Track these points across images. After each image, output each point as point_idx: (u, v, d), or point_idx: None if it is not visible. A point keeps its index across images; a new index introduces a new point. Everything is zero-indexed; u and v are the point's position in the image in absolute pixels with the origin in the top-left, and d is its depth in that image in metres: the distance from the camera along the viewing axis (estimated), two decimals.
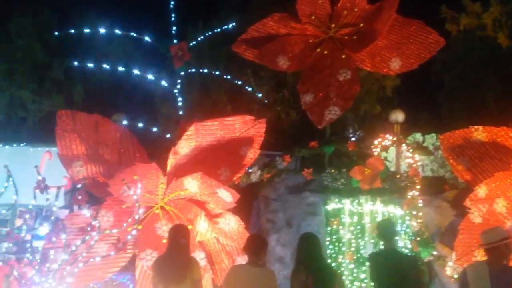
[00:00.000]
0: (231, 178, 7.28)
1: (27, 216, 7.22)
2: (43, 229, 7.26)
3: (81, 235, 6.14)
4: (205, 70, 10.98)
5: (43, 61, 15.81)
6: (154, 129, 8.17)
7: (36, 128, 15.33)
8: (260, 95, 12.19)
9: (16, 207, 8.31)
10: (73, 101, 15.41)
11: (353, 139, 9.03)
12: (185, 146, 7.10)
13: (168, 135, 8.27)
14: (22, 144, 11.52)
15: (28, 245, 6.33)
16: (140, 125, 8.01)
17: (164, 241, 6.36)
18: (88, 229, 6.02)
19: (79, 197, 6.57)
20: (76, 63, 9.92)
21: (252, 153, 7.30)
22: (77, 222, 6.45)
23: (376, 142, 8.18)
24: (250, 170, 7.79)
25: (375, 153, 8.00)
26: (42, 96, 15.63)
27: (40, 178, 6.31)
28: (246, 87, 11.70)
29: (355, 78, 8.21)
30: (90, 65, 9.36)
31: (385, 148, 8.28)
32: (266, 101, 12.85)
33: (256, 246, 4.62)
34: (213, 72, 11.00)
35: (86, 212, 6.23)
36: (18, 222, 9.44)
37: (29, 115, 15.89)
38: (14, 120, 15.73)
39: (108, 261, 6.23)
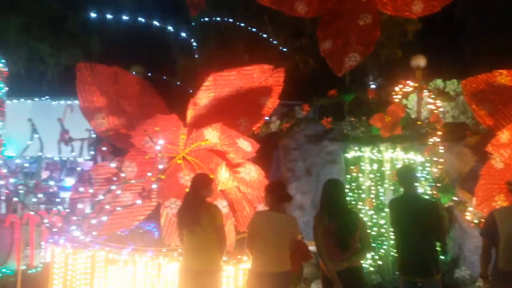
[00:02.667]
0: (250, 128, 7.30)
1: (53, 167, 7.48)
2: (69, 181, 7.53)
3: (107, 185, 6.32)
4: (221, 19, 10.78)
5: (58, 14, 15.69)
6: (175, 81, 8.17)
7: (56, 82, 15.46)
8: (281, 47, 11.94)
9: (42, 159, 8.56)
10: (90, 53, 15.38)
11: (373, 86, 8.88)
12: (204, 97, 7.10)
13: (185, 86, 8.27)
14: (43, 98, 11.73)
15: (55, 195, 6.59)
16: (159, 76, 8.01)
17: (187, 190, 6.54)
18: (114, 179, 6.19)
19: (103, 149, 6.71)
20: (92, 15, 9.78)
21: (271, 103, 7.26)
22: (103, 173, 6.61)
23: (397, 88, 8.05)
24: (269, 120, 7.79)
25: (396, 100, 7.90)
26: (60, 50, 15.63)
27: (63, 130, 6.49)
28: (263, 35, 11.49)
29: (376, 23, 7.96)
30: (109, 16, 9.22)
31: (406, 95, 8.15)
32: (283, 49, 12.60)
33: (276, 192, 4.63)
34: (229, 20, 10.78)
35: (111, 163, 6.38)
36: (45, 174, 9.77)
37: (48, 69, 15.98)
38: (34, 74, 15.85)
39: (134, 210, 6.43)
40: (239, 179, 6.83)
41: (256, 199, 6.86)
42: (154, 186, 6.40)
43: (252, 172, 6.92)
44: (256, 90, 7.17)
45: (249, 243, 4.54)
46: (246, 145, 6.71)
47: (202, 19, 9.04)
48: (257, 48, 12.23)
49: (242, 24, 10.63)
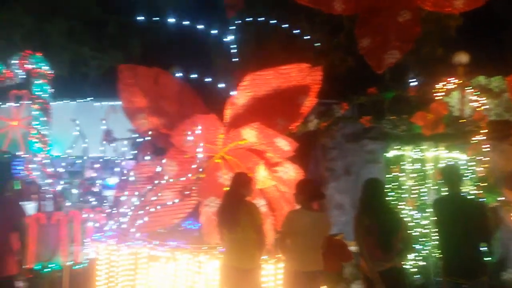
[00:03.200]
0: (288, 127, 7.29)
1: (97, 166, 7.69)
2: (112, 179, 7.75)
3: (148, 184, 6.45)
4: (258, 18, 10.79)
5: (100, 18, 16.17)
6: (211, 80, 8.24)
7: (98, 84, 15.93)
8: (318, 45, 11.86)
9: (86, 159, 8.83)
10: (131, 55, 15.76)
11: (413, 84, 8.69)
12: (241, 97, 7.15)
13: (224, 86, 8.34)
14: (87, 99, 12.10)
15: (99, 194, 6.79)
16: (198, 77, 8.11)
17: (227, 188, 6.60)
18: (156, 178, 6.32)
19: (145, 148, 6.86)
20: (135, 18, 9.99)
21: (309, 102, 7.23)
22: (144, 172, 6.76)
23: (438, 86, 7.85)
24: (307, 119, 7.75)
25: (438, 98, 7.71)
26: (102, 52, 16.11)
27: (107, 130, 6.69)
28: (300, 34, 11.43)
29: (416, 19, 7.78)
30: (148, 19, 9.39)
31: (448, 92, 7.94)
32: (320, 47, 12.50)
33: (306, 190, 4.62)
34: (268, 20, 10.78)
35: (152, 162, 6.52)
36: (89, 173, 10.07)
37: (91, 71, 16.50)
38: (77, 77, 16.39)
39: (175, 208, 6.54)
40: (277, 178, 6.83)
41: (294, 198, 6.84)
42: (194, 185, 6.49)
43: (290, 171, 6.91)
44: (294, 89, 7.15)
45: (282, 242, 4.52)
46: (284, 144, 6.70)
47: (239, 20, 9.07)
48: (294, 47, 12.21)
49: (279, 24, 10.59)
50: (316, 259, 4.41)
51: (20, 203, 4.24)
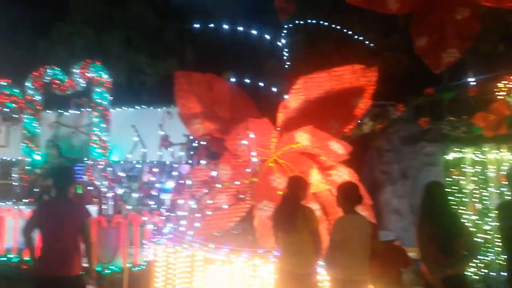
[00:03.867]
0: (342, 130, 7.19)
1: (155, 171, 7.92)
2: (170, 183, 7.95)
3: (204, 187, 6.57)
4: (309, 21, 10.73)
5: (155, 26, 16.69)
6: (263, 85, 8.28)
7: (155, 90, 16.41)
8: (372, 46, 11.61)
9: (144, 163, 9.12)
10: (185, 62, 16.13)
11: (473, 83, 8.30)
12: (294, 100, 7.13)
13: (275, 90, 8.36)
14: (143, 106, 12.49)
15: (157, 197, 6.99)
16: (249, 81, 8.17)
17: (280, 192, 6.60)
18: (211, 181, 6.43)
19: (200, 153, 7.00)
20: (190, 25, 10.23)
21: (363, 104, 7.10)
22: (200, 176, 6.89)
23: (500, 85, 7.47)
24: (362, 121, 7.61)
25: (500, 97, 7.33)
26: (158, 60, 16.60)
27: (164, 135, 6.89)
28: (353, 35, 11.26)
29: (475, 15, 7.44)
30: (201, 26, 9.59)
31: (511, 91, 7.53)
32: (372, 45, 12.22)
33: (349, 193, 4.51)
34: (319, 22, 10.70)
35: (207, 167, 6.63)
36: (146, 178, 10.38)
37: (148, 79, 17.03)
38: (134, 84, 16.97)
39: (229, 211, 6.61)
40: (331, 182, 6.74)
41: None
42: (248, 189, 6.54)
43: (345, 175, 6.80)
44: (348, 91, 7.05)
45: (331, 249, 4.38)
46: (338, 148, 6.62)
47: (291, 23, 9.06)
48: (346, 48, 12.03)
49: (331, 25, 10.48)
50: (362, 268, 4.27)
51: (84, 204, 4.43)
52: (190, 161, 7.71)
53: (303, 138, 6.65)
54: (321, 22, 10.87)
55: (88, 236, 4.21)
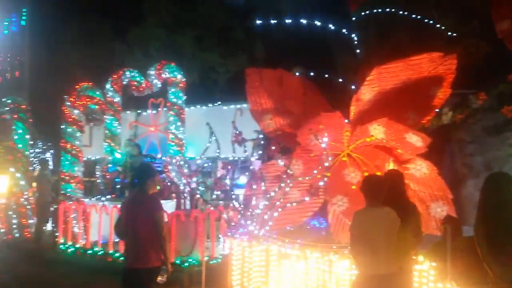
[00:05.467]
0: (419, 121, 6.91)
1: (229, 166, 8.06)
2: (243, 179, 8.05)
3: (277, 182, 6.59)
4: (381, 10, 10.38)
5: (226, 25, 17.00)
6: (334, 78, 8.16)
7: (226, 88, 16.74)
8: (449, 33, 11.02)
9: (218, 159, 9.33)
10: (255, 59, 16.28)
11: None
12: (367, 92, 6.94)
13: (346, 82, 8.19)
14: (216, 104, 12.77)
15: (231, 192, 7.09)
16: (321, 75, 8.08)
17: (353, 187, 6.47)
18: (283, 177, 6.43)
19: (273, 148, 7.02)
20: (257, 22, 10.32)
21: (442, 93, 6.77)
22: (272, 171, 6.92)
23: None
24: (440, 112, 7.25)
25: None
26: (228, 58, 16.90)
27: (237, 132, 6.98)
28: (429, 22, 10.75)
29: None
30: (271, 21, 9.63)
31: None
32: (450, 33, 11.59)
33: (371, 186, 4.13)
34: (392, 10, 10.33)
35: (279, 162, 6.64)
36: (220, 173, 10.61)
37: (219, 77, 17.40)
38: (206, 82, 17.41)
39: (302, 206, 6.58)
40: (409, 175, 6.50)
41: (428, 197, 6.46)
42: (321, 183, 6.47)
43: (423, 169, 6.54)
44: (425, 81, 6.75)
45: (351, 243, 4.12)
46: (416, 140, 6.36)
47: (362, 13, 8.83)
48: (422, 36, 11.52)
49: (405, 13, 10.07)
50: (386, 261, 3.90)
51: (159, 200, 4.56)
52: (262, 157, 7.76)
53: (377, 131, 6.45)
54: (394, 10, 10.49)
55: (160, 230, 4.32)
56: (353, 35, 8.76)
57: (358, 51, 8.66)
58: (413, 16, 10.05)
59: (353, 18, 8.86)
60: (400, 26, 12.51)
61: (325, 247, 5.68)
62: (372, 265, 3.92)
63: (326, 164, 6.42)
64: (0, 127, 13.03)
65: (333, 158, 6.76)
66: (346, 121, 6.91)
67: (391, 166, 6.47)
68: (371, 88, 6.88)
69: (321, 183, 6.45)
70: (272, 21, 9.12)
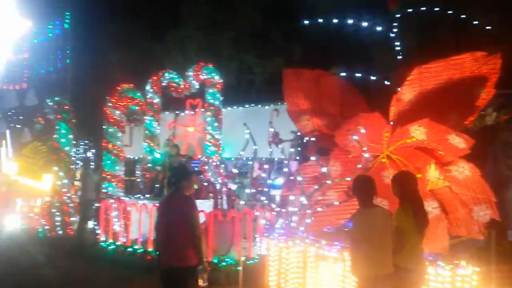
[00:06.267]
0: (462, 122, 6.70)
1: (265, 167, 8.08)
2: (279, 179, 8.08)
3: (314, 183, 6.55)
4: (423, 8, 10.12)
5: (262, 26, 17.06)
6: (373, 78, 8.02)
7: (263, 89, 16.79)
8: (491, 29, 10.67)
9: (254, 160, 9.37)
10: (291, 59, 16.25)
11: None
12: (408, 92, 6.79)
13: (387, 82, 8.04)
14: (253, 105, 12.84)
15: (267, 193, 7.12)
16: (358, 75, 7.96)
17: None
18: (321, 178, 6.39)
19: (309, 149, 6.99)
20: (294, 23, 10.29)
21: (486, 93, 6.54)
22: (310, 172, 6.88)
23: None
24: (484, 113, 7.02)
25: None
26: (265, 59, 16.95)
27: (274, 132, 7.00)
28: (472, 20, 10.42)
29: None
30: (306, 22, 9.56)
31: None
32: (494, 32, 11.20)
33: (363, 187, 4.26)
34: (433, 8, 10.07)
35: (317, 163, 6.60)
36: (256, 174, 10.66)
37: (256, 78, 17.48)
38: (243, 84, 17.52)
39: (340, 208, 6.51)
40: (451, 178, 6.34)
41: (471, 200, 6.27)
42: None
43: (466, 171, 6.35)
44: (468, 81, 6.54)
45: (353, 247, 4.16)
46: (459, 142, 6.18)
47: (401, 11, 8.64)
48: (464, 34, 11.22)
49: (446, 11, 9.79)
50: (387, 261, 4.01)
51: (194, 199, 4.60)
52: (298, 158, 7.74)
53: (418, 132, 6.31)
54: (434, 8, 10.21)
55: (195, 230, 4.35)
56: (392, 34, 8.56)
57: (397, 50, 8.47)
58: (455, 14, 9.75)
59: (393, 17, 8.64)
60: (442, 25, 12.22)
61: None
62: (374, 266, 3.99)
63: (363, 165, 6.33)
64: (44, 127, 13.55)
65: (372, 160, 6.65)
66: (386, 121, 6.79)
67: (432, 168, 6.32)
68: (412, 88, 6.73)
69: None
70: (308, 21, 9.04)
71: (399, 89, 6.82)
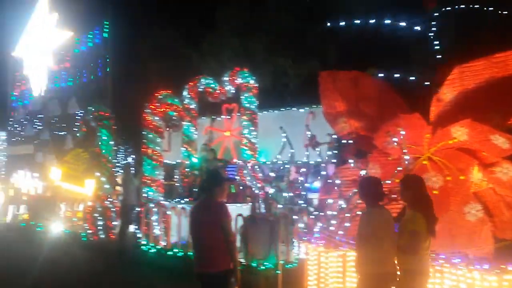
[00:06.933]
0: (505, 122, 6.47)
1: (302, 170, 8.04)
2: (316, 183, 8.02)
3: (352, 187, 6.47)
4: (462, 6, 9.87)
5: (297, 29, 17.04)
6: (412, 78, 7.87)
7: (297, 91, 16.74)
8: None
9: (291, 163, 9.35)
10: (327, 61, 16.15)
11: None
12: (448, 92, 6.63)
13: (427, 83, 7.86)
14: (288, 108, 12.83)
15: (304, 197, 7.08)
16: (396, 75, 7.83)
17: (435, 192, 6.20)
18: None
19: (347, 152, 6.91)
20: (328, 25, 10.24)
21: None
22: (348, 175, 6.81)
23: None
24: None
25: None
26: (300, 61, 16.91)
27: (311, 135, 6.95)
28: None
29: None
30: (342, 23, 9.50)
31: None
32: None
33: (368, 187, 4.43)
34: (472, 6, 9.81)
35: (355, 165, 6.52)
36: (294, 177, 10.61)
37: (291, 81, 17.47)
38: (278, 87, 17.53)
39: None
40: (495, 179, 6.14)
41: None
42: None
43: (511, 172, 6.13)
44: (511, 80, 6.33)
45: (360, 244, 4.27)
46: (502, 142, 5.97)
47: (440, 10, 8.45)
48: (506, 32, 10.84)
49: (486, 8, 9.51)
50: (392, 260, 4.12)
51: (226, 204, 4.61)
52: (336, 161, 7.66)
53: (460, 132, 6.15)
54: (473, 5, 9.93)
55: (227, 236, 4.35)
56: (430, 34, 8.39)
57: (436, 49, 8.28)
58: (496, 11, 9.45)
59: (431, 16, 8.47)
60: (482, 22, 11.84)
61: None
62: (376, 264, 4.08)
63: (405, 168, 6.22)
64: (86, 134, 13.98)
65: (412, 162, 6.52)
66: (426, 122, 6.65)
67: (476, 169, 6.14)
68: (453, 88, 6.57)
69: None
70: (345, 23, 8.98)
71: (439, 88, 6.66)
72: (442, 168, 6.40)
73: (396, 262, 4.17)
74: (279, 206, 8.69)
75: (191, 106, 12.75)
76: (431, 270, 4.57)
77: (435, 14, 8.57)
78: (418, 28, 8.82)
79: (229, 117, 13.34)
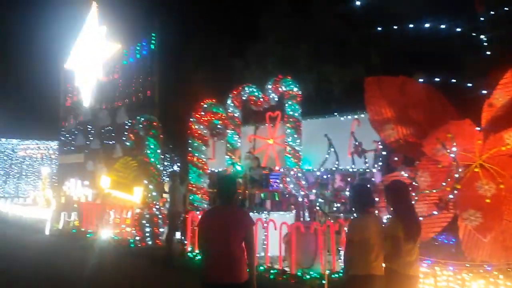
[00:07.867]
0: None
1: (348, 179, 7.93)
2: None
3: None
4: None
5: (341, 35, 16.90)
6: (469, 85, 7.62)
7: (341, 98, 16.56)
8: None
9: (336, 171, 9.22)
10: (371, 67, 15.89)
11: None
12: (501, 97, 6.39)
13: (484, 91, 7.59)
14: (332, 115, 12.68)
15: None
16: (446, 81, 7.61)
17: (487, 200, 5.96)
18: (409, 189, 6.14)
19: (395, 159, 6.76)
20: (375, 29, 10.08)
21: None
22: None
23: None
24: None
25: None
26: (343, 68, 16.74)
27: (357, 143, 6.84)
28: None
29: None
30: (388, 28, 9.34)
31: None
32: None
33: (357, 196, 4.50)
34: None
35: (403, 173, 6.36)
36: (337, 185, 10.47)
37: (335, 88, 17.31)
38: (322, 94, 17.41)
39: (430, 221, 6.22)
40: None
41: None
42: (450, 196, 6.06)
43: None
44: None
45: (349, 249, 4.31)
46: None
47: (491, 13, 8.17)
48: None
49: None
50: (380, 263, 4.18)
51: (248, 213, 4.50)
52: (383, 168, 7.51)
53: None
54: None
55: (250, 244, 4.22)
56: (481, 37, 8.11)
57: (488, 53, 7.99)
58: None
59: (481, 19, 8.20)
60: None
61: (457, 265, 5.30)
62: (363, 266, 4.16)
63: (456, 175, 6.01)
64: (134, 143, 14.36)
65: (463, 169, 6.30)
66: (477, 129, 6.41)
67: None
68: (505, 93, 6.32)
69: (450, 196, 6.03)
70: (392, 27, 8.83)
71: (490, 93, 6.43)
72: (494, 175, 6.16)
73: (383, 265, 4.24)
74: (325, 214, 8.58)
75: (235, 115, 12.86)
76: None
77: (487, 16, 8.28)
78: (467, 31, 8.55)
79: (273, 125, 13.35)
